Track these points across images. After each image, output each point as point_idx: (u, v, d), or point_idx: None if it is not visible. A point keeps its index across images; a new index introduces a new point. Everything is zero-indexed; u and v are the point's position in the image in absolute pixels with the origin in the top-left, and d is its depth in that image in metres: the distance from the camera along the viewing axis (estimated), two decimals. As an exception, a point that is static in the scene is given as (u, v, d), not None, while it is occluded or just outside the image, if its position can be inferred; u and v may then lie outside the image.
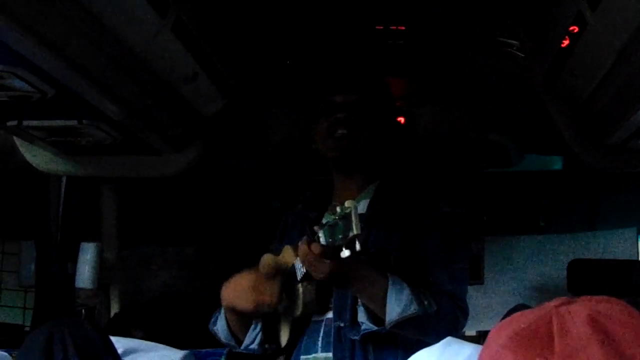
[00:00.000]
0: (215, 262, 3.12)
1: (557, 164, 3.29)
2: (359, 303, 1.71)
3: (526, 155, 3.00)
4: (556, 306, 0.72)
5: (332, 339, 1.77)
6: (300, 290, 1.77)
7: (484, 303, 3.06)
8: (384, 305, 1.65)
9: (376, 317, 1.68)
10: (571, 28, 1.76)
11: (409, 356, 1.07)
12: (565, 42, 1.81)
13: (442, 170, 2.98)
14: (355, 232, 1.47)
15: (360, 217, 1.51)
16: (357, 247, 1.50)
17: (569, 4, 1.72)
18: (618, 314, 0.70)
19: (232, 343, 1.87)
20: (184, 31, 1.80)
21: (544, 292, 3.23)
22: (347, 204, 1.52)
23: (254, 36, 2.22)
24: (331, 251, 1.55)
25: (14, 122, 2.04)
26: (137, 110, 2.02)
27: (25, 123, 2.05)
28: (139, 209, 3.10)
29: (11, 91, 1.72)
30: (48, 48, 1.52)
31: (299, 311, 1.79)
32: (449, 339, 1.01)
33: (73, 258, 2.90)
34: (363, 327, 1.70)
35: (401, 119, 2.46)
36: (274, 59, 2.40)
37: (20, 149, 2.45)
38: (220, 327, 1.86)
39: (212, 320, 1.90)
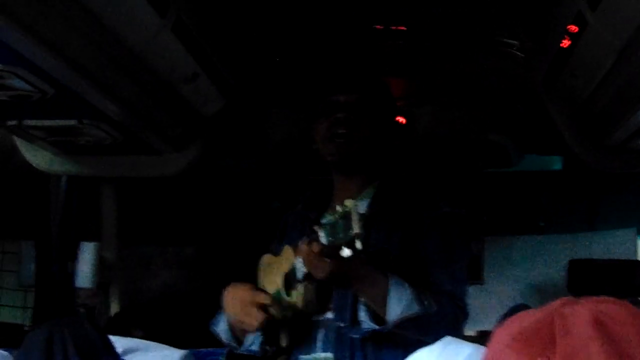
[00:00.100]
0: (214, 262, 3.13)
1: (557, 164, 3.30)
2: (360, 302, 1.71)
3: (526, 156, 3.00)
4: (559, 306, 0.72)
5: (332, 339, 1.77)
6: (301, 290, 1.77)
7: (483, 303, 3.06)
8: (385, 305, 1.65)
9: (377, 316, 1.68)
10: (571, 28, 1.76)
11: (408, 356, 1.07)
12: (565, 42, 1.81)
13: (442, 170, 2.98)
14: (355, 231, 1.47)
15: (361, 222, 1.50)
16: (358, 246, 1.49)
17: (569, 3, 1.72)
18: (620, 315, 0.70)
19: (233, 344, 1.86)
20: (184, 31, 1.80)
21: (543, 292, 3.23)
22: (347, 203, 1.52)
23: (254, 36, 2.22)
24: (332, 250, 1.54)
25: (14, 122, 2.04)
26: (137, 110, 2.02)
27: (25, 123, 2.05)
28: (138, 208, 3.11)
29: (11, 91, 1.72)
30: (48, 48, 1.52)
31: (298, 311, 1.79)
32: (448, 338, 1.01)
33: (73, 258, 2.90)
34: (364, 326, 1.70)
35: (401, 119, 2.46)
36: (274, 59, 2.40)
37: (21, 148, 2.45)
38: (221, 328, 1.86)
39: (214, 320, 1.90)
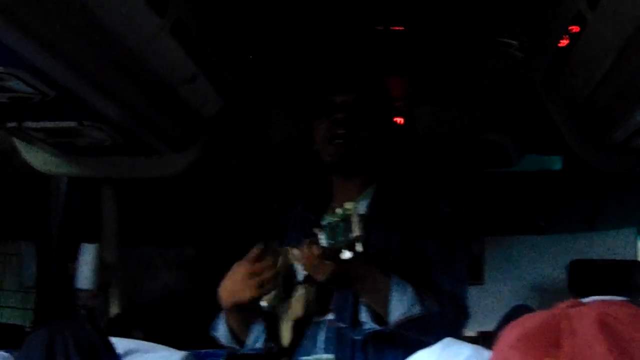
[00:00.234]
0: (215, 264, 3.12)
1: (556, 164, 3.29)
2: (361, 303, 1.71)
3: (526, 155, 3.00)
4: (565, 308, 0.72)
5: (333, 340, 1.77)
6: (301, 291, 1.77)
7: (484, 303, 3.06)
8: (387, 305, 1.65)
9: (378, 316, 1.68)
10: (570, 28, 1.76)
11: (409, 356, 1.07)
12: (565, 42, 1.81)
13: (442, 170, 2.98)
14: (356, 233, 1.47)
15: (361, 224, 1.50)
16: (358, 248, 1.49)
17: (569, 3, 1.72)
18: (626, 316, 0.70)
19: (235, 345, 1.86)
20: (183, 32, 1.80)
21: (544, 293, 3.23)
22: (347, 205, 1.52)
23: (253, 37, 2.22)
24: (332, 253, 1.54)
25: (15, 124, 2.04)
26: (136, 112, 2.02)
27: (25, 124, 2.05)
28: (139, 209, 3.10)
29: (11, 93, 1.72)
30: (48, 50, 1.53)
31: (299, 312, 1.79)
32: (448, 339, 1.01)
33: (73, 259, 2.90)
34: (366, 326, 1.69)
35: (400, 120, 2.46)
36: (273, 59, 2.40)
37: (21, 150, 2.45)
38: (221, 331, 1.86)
39: (213, 326, 1.89)
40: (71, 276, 2.89)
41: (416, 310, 1.64)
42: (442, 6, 2.06)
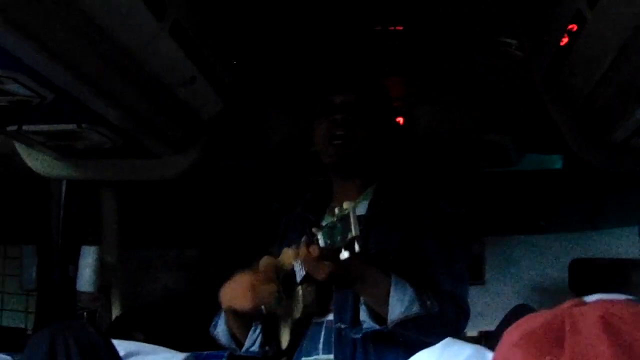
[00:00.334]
0: (215, 265, 3.12)
1: (557, 163, 3.29)
2: (361, 302, 1.71)
3: (526, 155, 3.00)
4: (569, 307, 0.72)
5: (333, 341, 1.77)
6: (300, 292, 1.77)
7: (485, 303, 3.06)
8: (386, 305, 1.65)
9: (378, 316, 1.68)
10: (570, 26, 1.75)
11: (409, 356, 1.07)
12: (564, 41, 1.81)
13: (441, 170, 2.98)
14: (354, 233, 1.47)
15: (360, 218, 1.50)
16: (356, 248, 1.49)
17: (568, 2, 1.72)
18: (629, 315, 0.70)
19: (233, 346, 1.86)
20: (182, 34, 1.80)
21: (545, 292, 3.23)
22: (345, 205, 1.52)
23: (252, 37, 2.22)
24: (330, 253, 1.54)
25: (14, 127, 2.04)
26: (136, 114, 2.02)
27: (25, 127, 2.05)
28: (139, 212, 3.10)
29: (11, 96, 1.72)
30: (47, 52, 1.52)
31: (299, 313, 1.79)
32: (448, 339, 1.01)
33: (74, 261, 2.90)
34: (365, 326, 1.69)
35: (400, 120, 2.46)
36: (272, 59, 2.40)
37: (21, 153, 2.45)
38: (220, 330, 1.86)
39: (213, 323, 1.90)
40: (72, 279, 2.89)
41: (416, 309, 1.64)
42: (441, 6, 2.06)
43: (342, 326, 1.75)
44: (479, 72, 2.49)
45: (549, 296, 3.19)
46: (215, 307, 1.86)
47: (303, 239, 1.61)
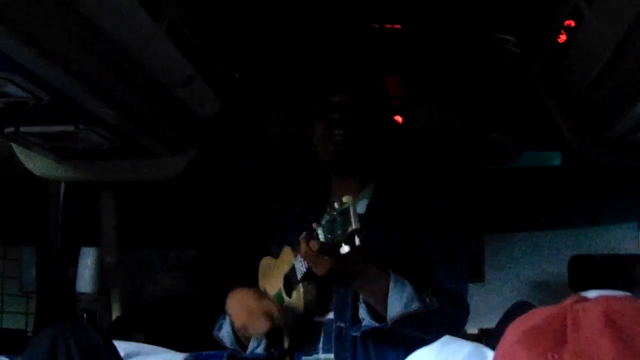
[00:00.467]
0: (215, 265, 3.12)
1: (556, 159, 3.29)
2: (360, 300, 1.71)
3: (525, 152, 3.00)
4: (571, 303, 0.72)
5: (333, 340, 1.77)
6: (301, 290, 1.77)
7: (485, 301, 3.06)
8: (386, 302, 1.65)
9: (377, 314, 1.68)
10: (567, 22, 1.75)
11: (410, 354, 1.07)
12: (562, 37, 1.81)
13: (440, 168, 2.97)
14: (354, 227, 1.46)
15: (360, 217, 1.50)
16: (357, 242, 1.49)
17: (565, -2, 1.71)
18: (631, 311, 0.70)
19: (237, 348, 1.86)
20: (178, 34, 1.80)
21: (545, 289, 3.23)
22: (345, 199, 1.51)
23: (249, 37, 2.22)
24: (330, 247, 1.54)
25: (11, 129, 2.03)
26: (133, 114, 2.02)
27: (22, 129, 2.04)
28: (138, 212, 3.10)
29: (7, 98, 1.71)
30: (43, 54, 1.52)
31: (299, 312, 1.78)
32: (447, 337, 1.01)
33: (74, 263, 2.90)
34: (364, 323, 1.69)
35: (398, 118, 2.45)
36: (270, 59, 2.40)
37: (19, 155, 2.45)
38: (225, 333, 1.86)
39: (217, 326, 1.89)
40: (72, 280, 2.89)
41: (415, 307, 1.64)
42: (438, 3, 2.06)
43: (342, 325, 1.75)
44: (477, 70, 2.49)
45: (548, 293, 3.19)
46: (215, 308, 1.86)
47: (302, 234, 1.60)
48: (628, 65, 1.71)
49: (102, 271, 2.90)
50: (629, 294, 1.14)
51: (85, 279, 2.88)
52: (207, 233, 3.27)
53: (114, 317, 3.02)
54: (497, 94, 2.65)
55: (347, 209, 1.48)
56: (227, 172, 3.14)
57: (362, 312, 1.70)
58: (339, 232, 1.50)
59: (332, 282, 1.72)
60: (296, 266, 1.73)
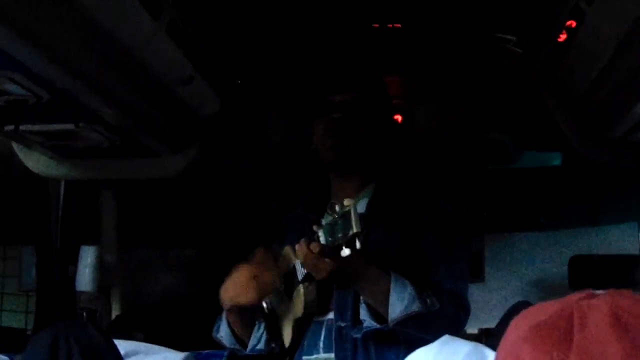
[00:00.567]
0: (215, 265, 3.12)
1: (556, 160, 3.28)
2: (361, 301, 1.71)
3: (525, 152, 2.99)
4: (577, 300, 0.71)
5: (333, 340, 1.76)
6: (302, 290, 1.77)
7: (485, 301, 3.06)
8: (387, 303, 1.65)
9: (378, 315, 1.68)
10: (568, 22, 1.75)
11: (410, 354, 1.07)
12: (563, 37, 1.81)
13: (441, 168, 2.97)
14: (355, 230, 1.46)
15: (361, 220, 1.50)
16: (357, 245, 1.49)
17: (566, -3, 1.71)
18: (638, 309, 0.69)
19: (238, 347, 1.86)
20: (179, 33, 1.80)
21: (545, 289, 3.22)
22: (346, 202, 1.51)
23: (251, 36, 2.21)
24: (331, 250, 1.54)
25: (11, 127, 2.03)
26: (134, 113, 2.02)
27: (22, 127, 2.04)
28: (138, 211, 3.10)
29: (7, 95, 1.71)
30: (43, 51, 1.52)
31: (300, 312, 1.78)
32: (446, 337, 1.00)
33: (73, 261, 2.90)
34: (365, 324, 1.69)
35: (398, 118, 2.45)
36: (270, 58, 2.40)
37: (18, 154, 2.44)
38: (224, 333, 1.85)
39: (215, 327, 1.89)
40: (72, 279, 2.88)
41: (416, 308, 1.64)
42: (439, 3, 2.05)
43: (343, 325, 1.75)
44: (478, 69, 2.49)
45: (549, 293, 3.18)
46: (215, 307, 1.86)
47: (302, 240, 1.61)
48: (629, 65, 1.70)
49: (102, 270, 2.90)
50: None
51: (85, 277, 2.88)
52: (207, 233, 3.27)
53: (113, 316, 3.02)
54: (497, 94, 2.65)
55: (348, 212, 1.48)
56: (227, 171, 3.14)
57: (363, 313, 1.69)
58: (339, 235, 1.50)
59: (333, 284, 1.72)
60: (297, 266, 1.73)
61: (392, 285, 1.65)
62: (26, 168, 2.48)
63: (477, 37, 2.25)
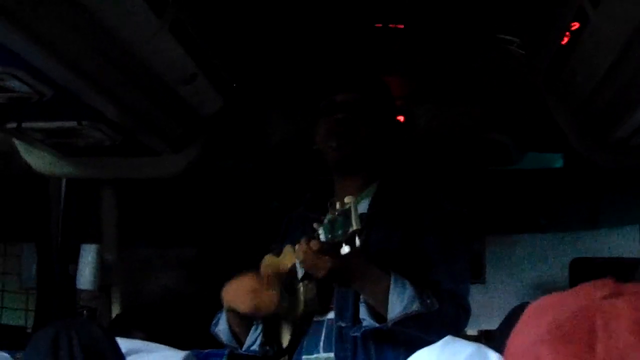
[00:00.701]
0: (215, 263, 3.12)
1: (558, 162, 3.28)
2: (361, 301, 1.70)
3: (527, 153, 2.99)
4: (600, 299, 0.68)
5: (333, 339, 1.76)
6: (301, 289, 1.76)
7: (485, 302, 3.05)
8: (386, 302, 1.65)
9: (378, 314, 1.68)
10: (572, 24, 1.75)
11: (410, 355, 1.06)
12: (566, 39, 1.80)
13: (443, 168, 2.97)
14: (354, 227, 1.46)
15: (361, 217, 1.49)
16: (357, 243, 1.48)
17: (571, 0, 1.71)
18: None
19: (234, 344, 1.86)
20: (182, 32, 1.80)
21: (545, 291, 3.19)
22: (346, 200, 1.51)
23: (253, 36, 2.21)
24: (331, 247, 1.54)
25: (14, 124, 2.03)
26: (135, 111, 2.02)
27: (24, 125, 2.04)
28: (139, 210, 3.10)
29: (10, 93, 1.71)
30: (46, 49, 1.52)
31: (300, 310, 1.78)
32: (448, 337, 1.00)
33: (74, 260, 2.90)
34: (364, 323, 1.69)
35: (400, 118, 2.45)
36: (272, 58, 2.40)
37: (20, 151, 2.44)
38: (222, 328, 1.86)
39: (214, 322, 1.89)
40: (72, 277, 2.88)
41: (415, 307, 1.63)
42: (442, 4, 2.05)
43: (343, 324, 1.74)
44: (480, 71, 2.49)
45: (549, 295, 3.17)
46: (215, 306, 1.86)
47: (302, 240, 1.61)
48: (632, 68, 1.70)
49: (102, 269, 2.90)
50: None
51: (86, 276, 2.88)
52: (207, 232, 3.27)
53: (113, 315, 3.02)
54: (499, 95, 2.65)
55: (349, 210, 1.48)
56: (227, 171, 3.14)
57: (363, 312, 1.69)
58: (339, 232, 1.50)
59: (333, 283, 1.72)
60: (297, 265, 1.72)
61: (392, 285, 1.65)
62: (27, 166, 2.48)
63: (480, 39, 2.25)
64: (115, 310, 3.04)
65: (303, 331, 1.81)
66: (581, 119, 2.14)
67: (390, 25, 2.22)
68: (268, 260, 1.91)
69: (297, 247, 1.64)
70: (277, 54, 2.39)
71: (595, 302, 0.68)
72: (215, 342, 1.93)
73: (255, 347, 1.81)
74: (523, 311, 0.76)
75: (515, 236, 3.38)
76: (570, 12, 1.72)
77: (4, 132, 2.15)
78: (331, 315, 1.78)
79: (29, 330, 3.23)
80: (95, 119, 2.00)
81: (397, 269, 1.70)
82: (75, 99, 1.79)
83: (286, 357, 1.84)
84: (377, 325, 1.67)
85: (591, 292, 0.69)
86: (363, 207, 1.81)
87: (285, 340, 1.83)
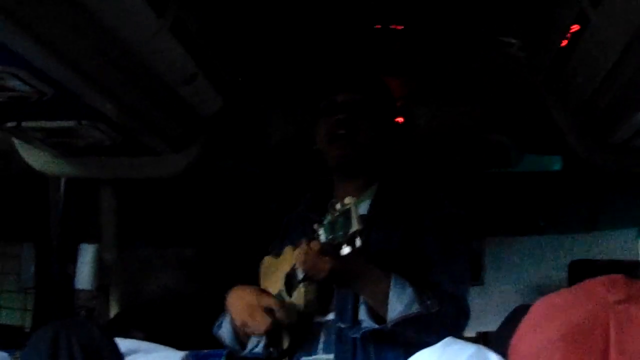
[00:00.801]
0: (214, 264, 3.12)
1: (557, 164, 3.28)
2: (361, 301, 1.70)
3: (526, 156, 3.00)
4: (613, 303, 0.67)
5: (333, 341, 1.76)
6: (302, 290, 1.76)
7: (483, 304, 3.05)
8: (386, 304, 1.65)
9: (377, 315, 1.68)
10: (572, 26, 1.75)
11: (410, 356, 1.06)
12: (567, 41, 1.80)
13: (442, 170, 2.97)
14: (355, 228, 1.46)
15: (361, 218, 1.49)
16: (358, 243, 1.48)
17: (571, 1, 1.71)
18: None
19: (237, 347, 1.86)
20: (183, 31, 1.79)
21: (544, 293, 3.21)
22: (347, 200, 1.51)
23: (254, 36, 2.21)
24: (331, 248, 1.54)
25: (13, 123, 2.03)
26: (136, 111, 2.02)
27: (24, 124, 2.04)
28: (138, 210, 3.10)
29: (9, 92, 1.71)
30: (46, 48, 1.52)
31: (300, 312, 1.78)
32: (449, 339, 1.00)
33: (73, 259, 2.90)
34: (364, 325, 1.69)
35: (400, 119, 2.45)
36: (272, 58, 2.40)
37: (20, 151, 2.44)
38: (225, 330, 1.86)
39: (217, 324, 1.89)
40: (70, 277, 2.88)
41: (415, 309, 1.64)
42: (442, 5, 2.05)
43: (343, 326, 1.74)
44: (480, 72, 2.49)
45: (548, 297, 3.17)
46: (214, 306, 1.86)
47: (303, 239, 1.61)
48: (633, 70, 1.70)
49: (101, 268, 2.90)
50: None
51: (84, 275, 2.88)
52: (206, 232, 3.27)
53: (112, 315, 3.02)
54: (499, 97, 2.65)
55: (349, 210, 1.48)
56: (227, 171, 3.14)
57: (362, 314, 1.69)
58: (340, 233, 1.50)
59: (333, 284, 1.72)
60: (297, 266, 1.72)
61: (392, 286, 1.65)
62: (26, 165, 2.48)
63: (480, 40, 2.25)
64: (113, 310, 3.04)
65: (303, 332, 1.81)
66: (581, 121, 2.14)
67: (390, 26, 2.22)
68: (267, 261, 1.91)
69: (297, 248, 1.64)
70: (277, 54, 2.39)
71: (607, 307, 0.67)
72: (215, 342, 1.93)
73: (258, 349, 1.81)
74: (522, 313, 0.75)
75: (514, 238, 3.38)
76: (571, 13, 1.72)
77: (4, 131, 2.14)
78: (331, 316, 1.78)
79: (27, 330, 3.22)
80: (95, 119, 2.00)
81: (397, 270, 1.70)
82: (75, 98, 1.79)
83: (286, 358, 1.84)
84: (376, 326, 1.67)
85: (603, 294, 0.68)
86: (363, 208, 1.81)
87: (286, 341, 1.83)
